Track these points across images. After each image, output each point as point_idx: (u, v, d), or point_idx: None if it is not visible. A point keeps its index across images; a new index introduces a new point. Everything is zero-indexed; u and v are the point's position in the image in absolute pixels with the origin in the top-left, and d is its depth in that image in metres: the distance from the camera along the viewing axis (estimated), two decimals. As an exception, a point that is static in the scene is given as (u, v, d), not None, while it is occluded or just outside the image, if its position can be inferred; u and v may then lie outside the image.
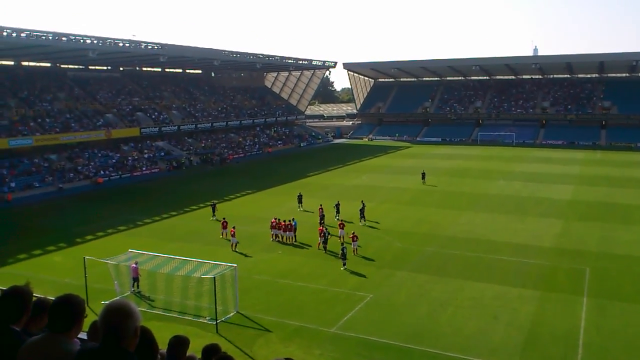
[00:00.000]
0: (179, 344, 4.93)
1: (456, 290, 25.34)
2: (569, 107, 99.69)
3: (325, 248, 31.60)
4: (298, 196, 44.55)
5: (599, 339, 20.23)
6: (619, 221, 38.44)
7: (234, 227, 33.47)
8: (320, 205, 39.33)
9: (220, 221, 36.79)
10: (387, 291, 25.48)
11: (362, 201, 40.97)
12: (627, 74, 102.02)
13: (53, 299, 3.70)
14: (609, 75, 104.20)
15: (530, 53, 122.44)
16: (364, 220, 38.22)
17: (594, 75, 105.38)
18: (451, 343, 19.93)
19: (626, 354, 19.11)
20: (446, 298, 24.35)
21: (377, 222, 37.58)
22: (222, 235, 35.51)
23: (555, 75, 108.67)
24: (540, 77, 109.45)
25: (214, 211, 41.13)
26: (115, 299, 23.28)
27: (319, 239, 32.40)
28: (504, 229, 36.66)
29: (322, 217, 37.60)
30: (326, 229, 33.31)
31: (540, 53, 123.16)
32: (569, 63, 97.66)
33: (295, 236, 34.21)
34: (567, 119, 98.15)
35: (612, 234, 35.06)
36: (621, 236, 34.45)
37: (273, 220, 34.95)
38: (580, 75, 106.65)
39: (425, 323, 21.80)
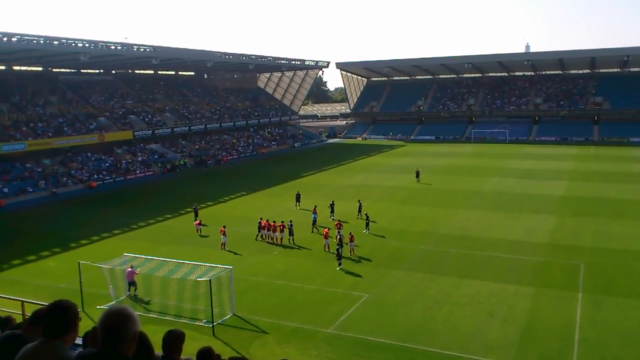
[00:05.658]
0: (174, 337, 4.90)
1: (452, 288, 25.40)
2: (562, 103, 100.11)
3: (340, 254, 29.20)
4: (296, 195, 44.76)
5: (595, 333, 20.34)
6: (613, 216, 38.63)
7: (224, 226, 33.62)
8: (315, 206, 39.37)
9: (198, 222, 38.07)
10: (382, 290, 25.51)
11: (358, 200, 41.24)
12: (619, 69, 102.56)
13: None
14: (601, 70, 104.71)
15: (522, 50, 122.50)
16: (368, 229, 35.98)
17: (585, 71, 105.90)
18: (448, 341, 19.98)
19: (622, 349, 19.20)
20: (442, 296, 24.40)
21: (373, 222, 37.54)
22: (198, 232, 36.90)
23: (547, 72, 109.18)
24: (532, 73, 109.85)
25: (196, 215, 40.26)
26: (112, 303, 23.26)
27: (324, 240, 32.14)
28: (498, 225, 36.78)
29: (314, 220, 36.98)
30: (339, 233, 32.60)
31: (532, 50, 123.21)
32: (561, 59, 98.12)
33: (293, 238, 34.15)
34: (559, 115, 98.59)
35: (606, 228, 35.24)
36: (615, 231, 34.64)
37: (264, 222, 34.87)
38: (572, 71, 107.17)
39: (422, 321, 21.85)
